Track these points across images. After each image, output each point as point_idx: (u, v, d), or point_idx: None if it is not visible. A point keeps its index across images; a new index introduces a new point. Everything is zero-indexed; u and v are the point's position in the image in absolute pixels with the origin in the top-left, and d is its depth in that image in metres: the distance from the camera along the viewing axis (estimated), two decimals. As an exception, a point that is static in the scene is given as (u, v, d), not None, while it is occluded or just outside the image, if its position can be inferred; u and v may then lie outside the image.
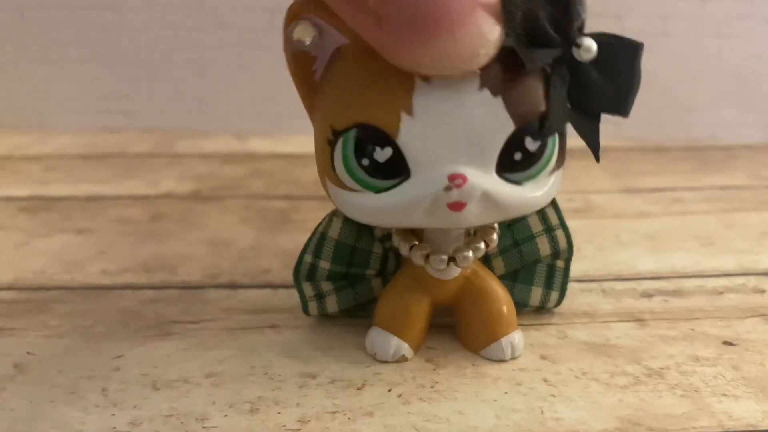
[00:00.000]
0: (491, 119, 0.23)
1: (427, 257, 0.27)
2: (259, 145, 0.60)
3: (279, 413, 0.26)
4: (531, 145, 0.24)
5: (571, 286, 0.32)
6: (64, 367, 0.29)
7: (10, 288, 0.36)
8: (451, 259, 0.27)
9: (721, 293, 0.35)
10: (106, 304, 0.34)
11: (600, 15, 0.62)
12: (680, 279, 0.36)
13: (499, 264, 0.31)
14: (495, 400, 0.27)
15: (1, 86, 0.64)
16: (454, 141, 0.23)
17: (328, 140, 0.25)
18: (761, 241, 0.41)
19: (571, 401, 0.27)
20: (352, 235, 0.30)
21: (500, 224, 0.30)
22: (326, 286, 0.31)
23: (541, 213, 0.30)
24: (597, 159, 0.25)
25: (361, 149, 0.24)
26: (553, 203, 0.30)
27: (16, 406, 0.26)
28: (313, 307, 0.31)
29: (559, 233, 0.30)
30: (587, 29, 0.24)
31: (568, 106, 0.24)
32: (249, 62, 0.62)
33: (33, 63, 0.64)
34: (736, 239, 0.41)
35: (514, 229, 0.30)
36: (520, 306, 0.31)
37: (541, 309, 0.32)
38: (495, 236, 0.28)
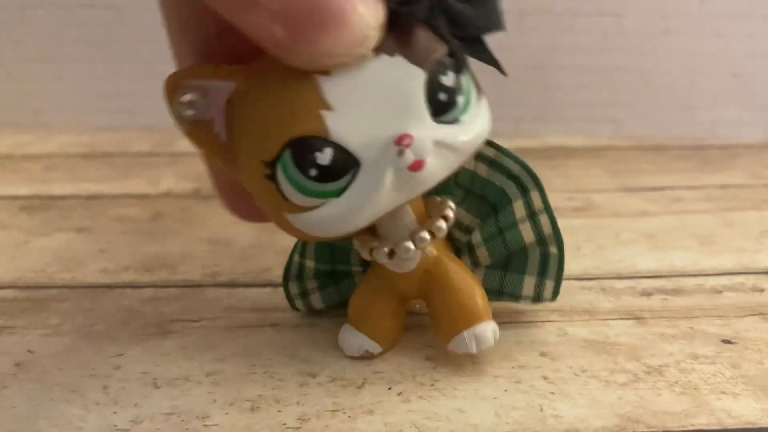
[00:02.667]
0: (401, 75, 0.23)
1: (371, 252, 0.27)
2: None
3: (279, 411, 0.26)
4: (448, 81, 0.24)
5: (571, 284, 0.33)
6: (65, 365, 0.29)
7: (10, 287, 0.36)
8: (392, 252, 0.27)
9: (720, 292, 0.35)
10: (107, 303, 0.34)
11: (600, 14, 0.63)
12: (680, 277, 0.37)
13: (483, 254, 0.30)
14: (495, 398, 0.27)
15: (1, 85, 0.64)
16: (381, 110, 0.23)
17: (266, 176, 0.24)
18: (761, 240, 0.41)
19: (570, 399, 0.27)
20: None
21: (483, 211, 0.30)
22: (311, 284, 0.31)
23: (526, 197, 0.29)
24: (503, 73, 0.25)
25: (303, 163, 0.23)
26: (539, 186, 0.29)
27: (17, 404, 0.26)
28: (299, 304, 0.32)
29: (543, 218, 0.29)
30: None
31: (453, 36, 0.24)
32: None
33: (33, 62, 0.64)
34: (736, 238, 0.41)
35: (499, 216, 0.29)
36: (514, 298, 0.30)
37: (538, 301, 0.30)
38: (443, 224, 0.27)
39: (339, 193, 0.24)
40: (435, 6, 0.24)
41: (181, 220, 0.44)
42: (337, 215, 0.24)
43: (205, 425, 0.25)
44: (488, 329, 0.28)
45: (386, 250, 0.27)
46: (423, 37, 0.24)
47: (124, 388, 0.27)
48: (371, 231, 0.28)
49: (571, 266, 0.31)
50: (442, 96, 0.24)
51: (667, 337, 0.31)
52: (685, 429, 0.25)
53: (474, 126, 0.25)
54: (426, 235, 0.27)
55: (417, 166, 0.23)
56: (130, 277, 0.37)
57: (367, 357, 0.29)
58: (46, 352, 0.30)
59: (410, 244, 0.27)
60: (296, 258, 0.31)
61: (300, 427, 0.25)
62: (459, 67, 0.24)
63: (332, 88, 0.23)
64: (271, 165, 0.24)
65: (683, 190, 0.50)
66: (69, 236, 0.42)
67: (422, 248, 0.27)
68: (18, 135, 0.61)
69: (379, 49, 0.23)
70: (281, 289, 0.33)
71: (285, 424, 0.25)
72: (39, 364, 0.29)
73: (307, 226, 0.25)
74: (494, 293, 0.30)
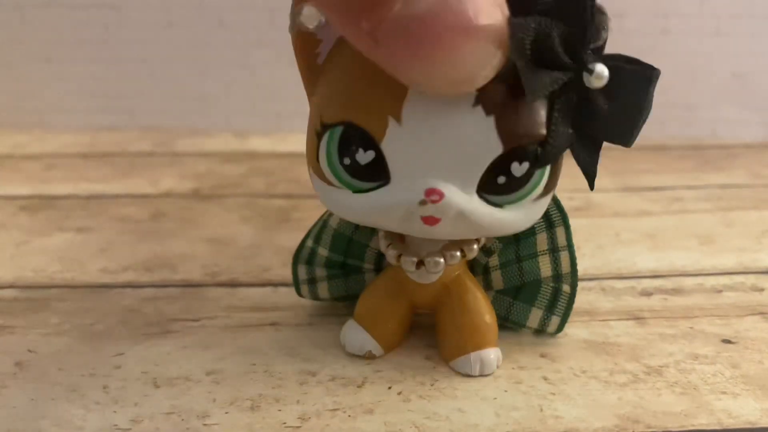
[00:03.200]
0: (479, 138, 0.22)
1: (399, 257, 0.27)
2: (259, 143, 0.60)
3: (279, 410, 0.26)
4: (517, 170, 0.23)
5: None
6: (65, 364, 0.29)
7: (11, 286, 0.36)
8: (421, 263, 0.27)
9: (720, 291, 0.35)
10: (107, 303, 0.34)
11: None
12: (680, 277, 0.37)
13: (497, 278, 0.30)
14: (495, 398, 0.27)
15: (1, 85, 0.64)
16: (438, 155, 0.23)
17: (316, 131, 0.24)
18: (760, 240, 0.41)
19: (570, 399, 0.27)
20: (349, 227, 0.30)
21: (506, 237, 0.29)
22: (320, 272, 0.31)
23: (551, 231, 0.29)
24: (591, 187, 0.24)
25: (345, 148, 0.24)
26: (565, 223, 0.29)
27: (18, 404, 0.26)
28: (305, 290, 0.32)
29: (564, 255, 0.29)
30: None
31: (570, 131, 0.23)
32: (249, 61, 0.62)
33: (33, 62, 0.64)
34: (736, 238, 0.41)
35: (520, 244, 0.29)
36: (517, 326, 0.30)
37: (540, 333, 0.30)
38: (475, 246, 0.27)
39: (357, 190, 0.24)
40: (571, 90, 0.22)
41: (181, 219, 0.44)
42: (344, 205, 0.25)
43: (205, 424, 0.25)
44: (493, 355, 0.28)
45: (414, 260, 0.27)
46: (530, 112, 0.22)
47: (124, 388, 0.27)
48: (401, 236, 0.28)
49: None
50: (501, 180, 0.23)
51: (667, 337, 0.31)
52: (685, 429, 0.25)
53: (510, 219, 0.24)
54: (458, 253, 0.27)
55: (429, 221, 0.23)
56: (130, 277, 0.37)
57: (368, 357, 0.29)
58: (46, 352, 0.30)
59: (441, 259, 0.27)
60: (309, 243, 0.31)
61: (300, 426, 0.25)
62: (540, 163, 0.23)
63: (414, 106, 0.22)
64: (324, 127, 0.24)
65: (683, 190, 0.50)
66: (69, 236, 0.42)
67: (450, 265, 0.27)
68: (18, 135, 0.61)
69: (479, 101, 0.22)
70: (281, 289, 0.33)
71: (285, 423, 0.25)
72: (39, 364, 0.29)
73: (318, 190, 0.25)
74: (500, 318, 0.30)
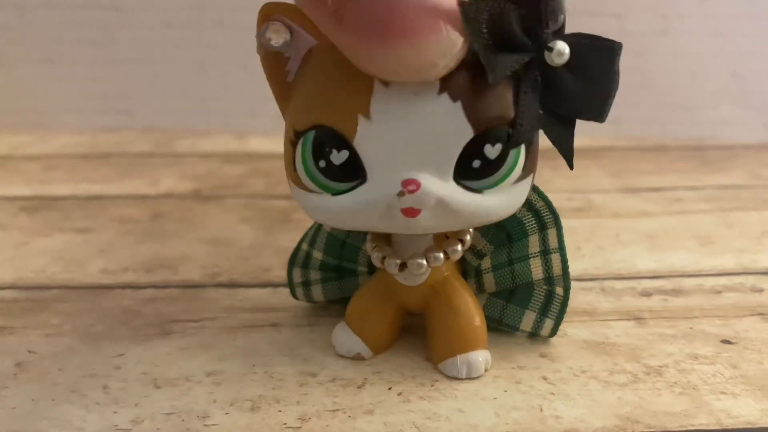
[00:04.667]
0: (449, 125, 0.23)
1: (383, 260, 0.27)
2: (258, 144, 0.60)
3: (280, 411, 0.26)
4: (491, 152, 0.23)
5: (571, 285, 0.32)
6: (65, 365, 0.29)
7: (11, 287, 0.36)
8: (404, 265, 0.27)
9: (719, 292, 0.35)
10: (107, 303, 0.34)
11: (600, 14, 0.63)
12: (679, 278, 0.37)
13: (490, 280, 0.30)
14: (494, 398, 0.27)
15: (1, 86, 0.64)
16: (411, 146, 0.23)
17: (291, 141, 0.25)
18: (760, 241, 0.41)
19: (570, 399, 0.27)
20: (343, 230, 0.30)
21: (498, 240, 0.29)
22: (315, 274, 0.32)
23: (543, 234, 0.29)
24: (570, 166, 0.24)
25: (319, 151, 0.24)
26: (557, 224, 0.29)
27: (18, 404, 0.26)
28: (300, 292, 0.32)
29: (555, 257, 0.29)
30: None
31: (540, 112, 0.23)
32: (249, 62, 0.61)
33: (33, 63, 0.64)
34: (736, 238, 0.41)
35: (513, 247, 0.29)
36: (510, 329, 0.30)
37: (534, 336, 0.30)
38: (459, 247, 0.27)
39: (335, 192, 0.24)
40: (534, 70, 0.22)
41: (181, 220, 0.44)
42: (324, 209, 0.25)
43: (205, 425, 0.25)
44: (480, 358, 0.28)
45: (398, 262, 0.27)
46: (496, 95, 0.23)
47: (124, 388, 0.27)
48: (387, 238, 0.28)
49: (570, 266, 0.31)
50: (476, 164, 0.23)
51: (666, 337, 0.31)
52: (685, 429, 0.25)
53: (491, 205, 0.24)
54: (441, 255, 0.27)
55: (410, 212, 0.23)
56: (130, 278, 0.37)
57: (356, 359, 0.29)
58: (46, 353, 0.30)
59: (423, 261, 0.27)
60: (304, 246, 0.31)
61: (300, 427, 0.25)
62: (512, 144, 0.23)
63: (382, 101, 0.23)
64: (297, 135, 0.24)
65: (683, 191, 0.50)
66: (69, 237, 0.42)
67: (434, 267, 0.27)
68: (18, 135, 0.61)
69: (444, 88, 0.22)
70: (281, 289, 0.33)
71: (285, 423, 0.25)
72: (39, 365, 0.29)
73: (299, 200, 0.25)
74: (493, 321, 0.30)
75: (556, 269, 0.29)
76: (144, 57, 0.63)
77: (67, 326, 0.32)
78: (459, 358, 0.28)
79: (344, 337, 0.29)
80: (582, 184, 0.50)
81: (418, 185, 0.23)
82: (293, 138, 0.24)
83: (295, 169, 0.25)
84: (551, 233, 0.29)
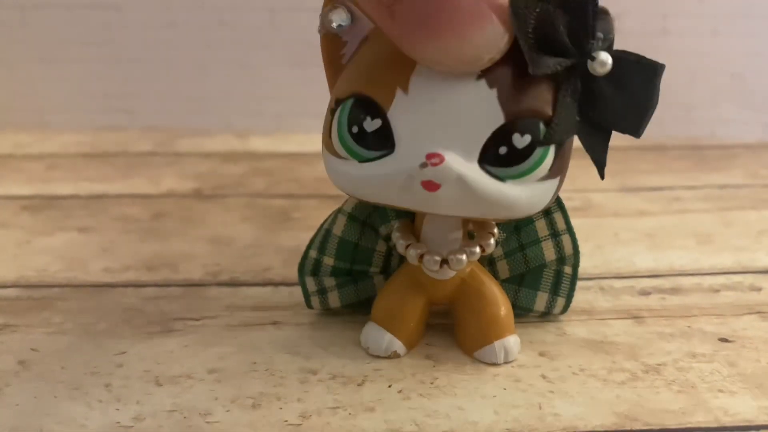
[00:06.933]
0: (481, 109, 0.23)
1: (421, 257, 0.28)
2: (259, 143, 0.60)
3: (281, 408, 0.26)
4: (518, 141, 0.24)
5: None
6: (68, 363, 0.29)
7: (13, 286, 0.36)
8: (444, 261, 0.28)
9: (718, 291, 0.35)
10: (109, 302, 0.34)
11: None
12: (678, 277, 0.37)
13: (503, 267, 0.31)
14: (494, 396, 0.27)
15: (2, 85, 0.64)
16: (442, 123, 0.24)
17: (331, 109, 0.26)
18: (759, 239, 0.41)
19: (569, 397, 0.27)
20: (355, 233, 0.30)
21: (507, 228, 0.30)
22: (329, 281, 0.31)
23: (549, 217, 0.30)
24: (602, 176, 0.25)
25: (354, 117, 0.25)
26: (561, 208, 0.30)
27: (21, 402, 0.27)
28: (315, 301, 0.32)
29: (565, 238, 0.30)
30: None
31: (577, 118, 0.24)
32: (249, 61, 0.62)
33: (34, 62, 0.64)
34: (734, 237, 0.42)
35: (521, 233, 0.30)
36: (525, 311, 0.31)
37: (547, 315, 0.32)
38: (492, 241, 0.28)
39: (363, 159, 0.25)
40: (576, 77, 0.23)
41: (182, 219, 0.44)
42: (349, 176, 0.25)
43: (207, 422, 0.25)
44: (517, 342, 0.29)
45: (438, 258, 0.27)
46: (532, 89, 0.23)
47: (126, 386, 0.28)
48: (413, 230, 0.29)
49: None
50: (503, 150, 0.24)
51: (665, 335, 0.31)
52: (683, 427, 0.25)
53: (512, 195, 0.24)
54: (477, 250, 0.28)
55: (430, 186, 0.24)
56: (132, 276, 0.37)
57: (393, 357, 0.29)
58: (49, 351, 0.30)
59: (464, 257, 0.27)
60: (313, 254, 0.31)
61: (301, 424, 0.25)
62: (544, 141, 0.24)
63: (421, 77, 0.24)
64: (338, 103, 0.25)
65: (682, 190, 0.50)
66: (71, 236, 0.42)
67: (471, 261, 0.28)
68: (20, 135, 0.61)
69: (483, 75, 0.23)
70: (282, 288, 0.33)
71: (286, 421, 0.26)
72: (42, 362, 0.29)
73: (328, 165, 0.26)
74: None
75: (568, 249, 0.30)
76: (145, 56, 0.63)
77: (70, 324, 0.32)
78: (497, 344, 0.29)
79: (377, 336, 0.29)
80: (581, 183, 0.50)
81: (442, 159, 0.23)
82: (333, 106, 0.25)
83: (330, 136, 0.26)
84: (557, 217, 0.30)
